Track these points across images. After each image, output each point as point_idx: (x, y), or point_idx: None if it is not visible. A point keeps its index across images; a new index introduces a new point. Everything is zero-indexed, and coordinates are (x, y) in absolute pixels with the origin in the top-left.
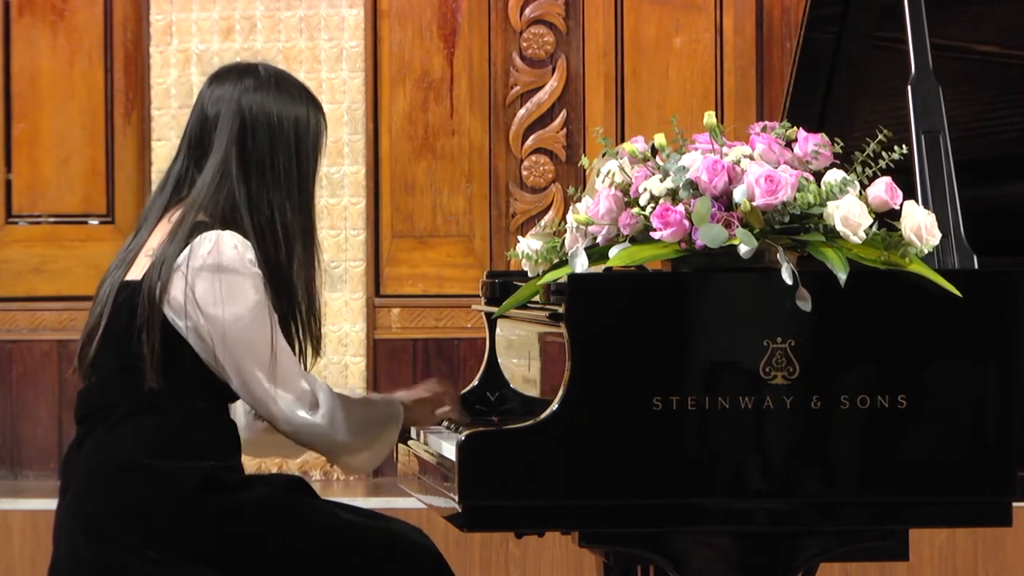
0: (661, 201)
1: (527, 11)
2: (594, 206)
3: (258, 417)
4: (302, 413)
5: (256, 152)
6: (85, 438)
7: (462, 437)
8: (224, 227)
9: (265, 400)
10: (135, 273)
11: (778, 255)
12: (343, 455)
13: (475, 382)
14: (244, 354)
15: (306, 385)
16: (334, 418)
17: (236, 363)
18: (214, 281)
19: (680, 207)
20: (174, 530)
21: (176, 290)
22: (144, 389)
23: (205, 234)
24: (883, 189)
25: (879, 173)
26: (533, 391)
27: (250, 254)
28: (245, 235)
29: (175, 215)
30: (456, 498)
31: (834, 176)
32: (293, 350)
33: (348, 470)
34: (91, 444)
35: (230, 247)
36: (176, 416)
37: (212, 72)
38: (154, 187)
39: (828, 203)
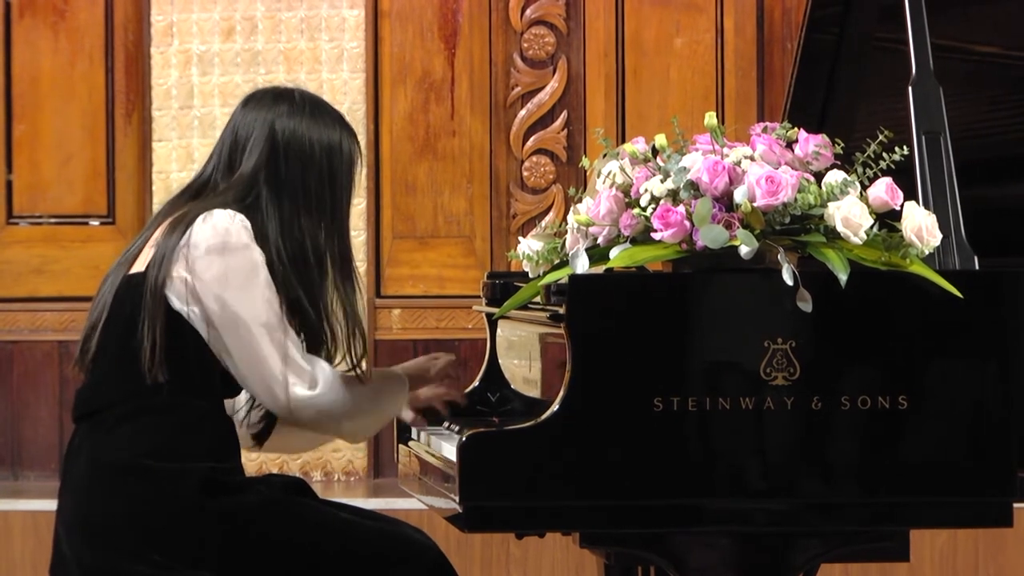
0: (662, 202)
1: (528, 12)
2: (595, 207)
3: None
4: (302, 391)
5: (288, 177)
6: (84, 438)
7: (463, 438)
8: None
9: (270, 382)
10: (138, 267)
11: (779, 256)
12: (344, 422)
13: (476, 383)
14: (250, 331)
15: (306, 364)
16: (332, 389)
17: (243, 343)
18: (217, 259)
19: (681, 208)
20: (175, 533)
21: (178, 273)
22: (145, 385)
23: (203, 214)
24: (884, 190)
25: (880, 174)
26: (534, 392)
27: (246, 229)
28: (268, 254)
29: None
30: (457, 499)
31: (835, 177)
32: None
33: (353, 437)
34: (90, 445)
35: (237, 224)
36: (175, 416)
37: (247, 95)
38: (155, 188)
39: (829, 204)
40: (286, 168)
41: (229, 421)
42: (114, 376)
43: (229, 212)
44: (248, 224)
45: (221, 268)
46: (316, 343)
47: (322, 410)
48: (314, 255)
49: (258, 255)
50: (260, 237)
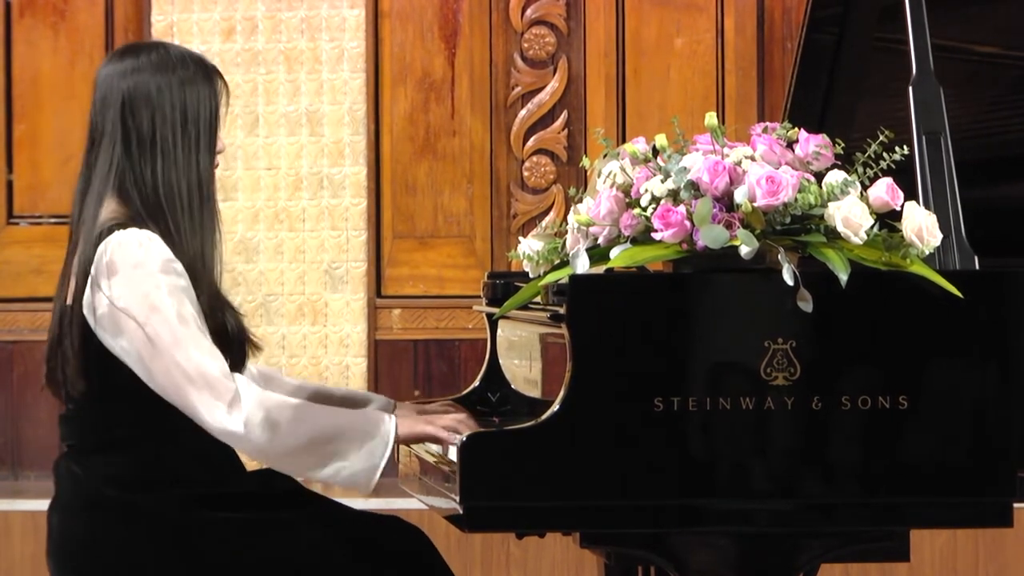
0: (662, 202)
1: (528, 12)
2: (595, 207)
3: None
4: (222, 418)
5: (136, 127)
6: (66, 465)
7: (463, 438)
8: (129, 219)
9: (193, 408)
10: (70, 296)
11: (779, 256)
12: (291, 468)
13: (476, 383)
14: (162, 355)
15: (229, 384)
16: (261, 424)
17: (155, 366)
18: (116, 284)
19: (681, 208)
20: (156, 565)
21: (96, 307)
22: (111, 417)
23: (105, 240)
24: (884, 190)
25: (880, 174)
26: (534, 392)
27: (152, 249)
28: (137, 212)
29: (88, 209)
30: (457, 499)
31: (835, 177)
32: (227, 331)
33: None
34: (68, 474)
35: (131, 246)
36: (143, 447)
37: (102, 61)
38: None
39: (829, 204)
40: (134, 119)
41: (206, 436)
42: (81, 410)
43: (129, 232)
44: (154, 237)
45: (123, 292)
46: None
47: (248, 443)
48: (167, 199)
49: (162, 275)
50: (137, 215)
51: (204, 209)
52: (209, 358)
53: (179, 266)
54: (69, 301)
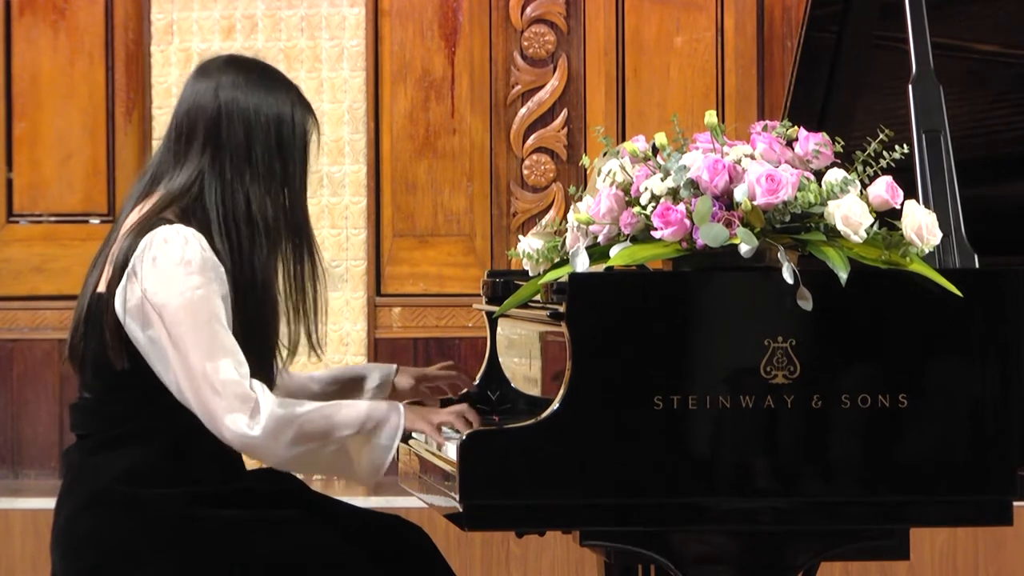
0: (662, 200)
1: (528, 10)
2: (595, 205)
3: None
4: (242, 425)
5: (231, 143)
6: (75, 456)
7: (463, 436)
8: (183, 222)
9: (212, 413)
10: (102, 284)
11: (779, 254)
12: (294, 467)
13: (476, 381)
14: (185, 357)
15: (250, 392)
16: (277, 431)
17: (177, 365)
18: (153, 278)
19: (681, 206)
20: (159, 562)
21: (128, 298)
22: (125, 411)
23: (150, 233)
24: (884, 188)
25: (880, 172)
26: (534, 390)
27: (197, 248)
28: (208, 227)
29: (145, 207)
30: (457, 497)
31: (835, 175)
32: (265, 352)
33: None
34: (77, 465)
35: (176, 243)
36: (155, 442)
37: (199, 64)
38: None
39: (829, 202)
40: (229, 134)
41: (211, 438)
42: (98, 401)
43: (176, 228)
44: (201, 238)
45: (157, 287)
46: (256, 322)
47: (263, 448)
48: (262, 222)
49: (204, 275)
50: (202, 225)
51: (289, 234)
52: (232, 365)
53: (221, 269)
54: (102, 288)
